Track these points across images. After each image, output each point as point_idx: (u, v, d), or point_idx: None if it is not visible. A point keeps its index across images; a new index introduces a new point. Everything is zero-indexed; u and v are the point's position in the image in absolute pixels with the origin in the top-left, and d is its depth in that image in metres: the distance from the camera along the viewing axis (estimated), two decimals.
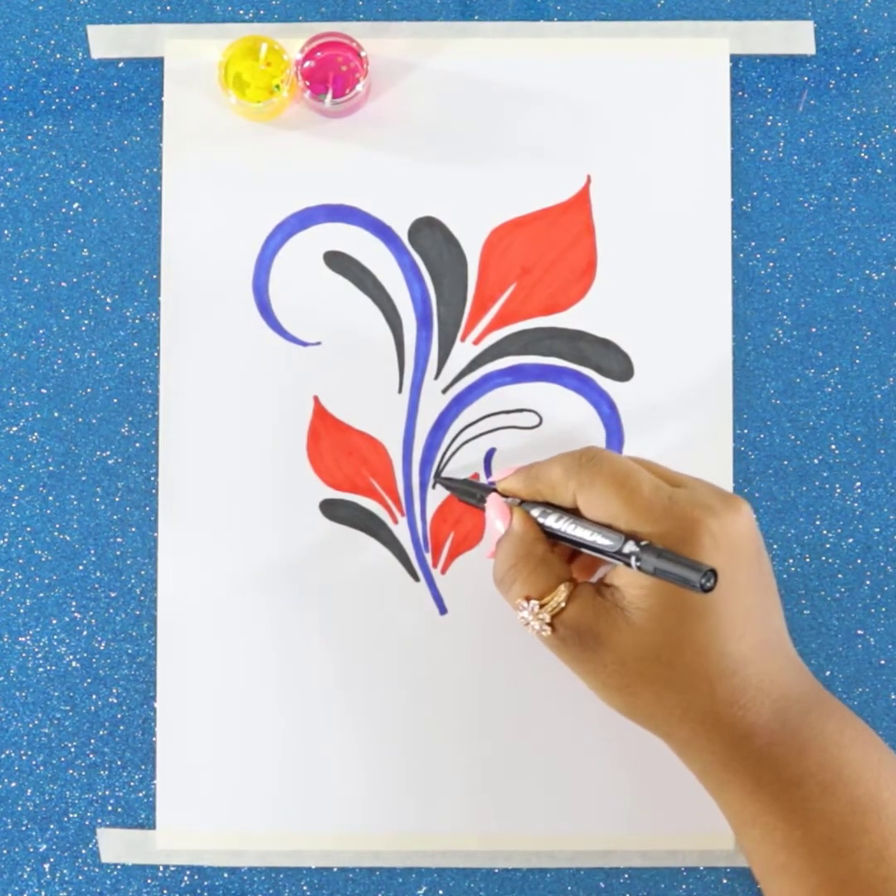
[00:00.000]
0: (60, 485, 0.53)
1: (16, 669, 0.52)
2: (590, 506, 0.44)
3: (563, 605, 0.44)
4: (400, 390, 0.53)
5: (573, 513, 0.45)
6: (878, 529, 0.52)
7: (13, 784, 0.52)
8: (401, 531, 0.52)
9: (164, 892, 0.52)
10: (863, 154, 0.53)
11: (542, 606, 0.44)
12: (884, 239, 0.53)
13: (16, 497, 0.53)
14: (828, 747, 0.42)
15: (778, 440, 0.53)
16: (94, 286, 0.53)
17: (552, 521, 0.45)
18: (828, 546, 0.52)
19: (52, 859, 0.52)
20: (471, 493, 0.49)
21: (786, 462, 0.53)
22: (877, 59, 0.53)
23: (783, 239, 0.53)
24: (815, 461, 0.53)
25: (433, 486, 0.52)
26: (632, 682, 0.43)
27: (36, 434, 0.53)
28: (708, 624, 0.42)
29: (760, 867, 0.43)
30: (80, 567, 0.52)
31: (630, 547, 0.42)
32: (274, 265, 0.53)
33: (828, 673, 0.52)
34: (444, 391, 0.53)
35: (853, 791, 0.41)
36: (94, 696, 0.52)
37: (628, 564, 0.42)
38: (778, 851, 0.42)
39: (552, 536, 0.45)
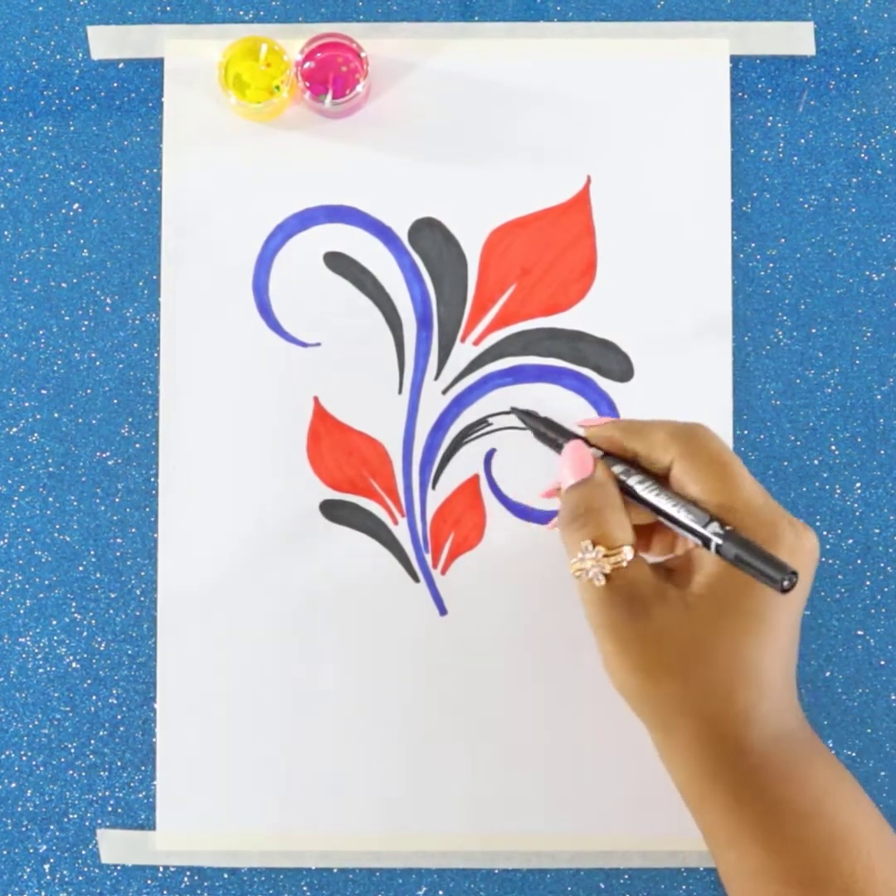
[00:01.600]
0: (60, 485, 0.53)
1: (16, 670, 0.52)
2: (686, 476, 0.43)
3: (627, 561, 0.43)
4: (400, 391, 0.53)
5: (659, 480, 0.44)
6: (877, 530, 0.52)
7: (13, 784, 0.52)
8: (401, 532, 0.52)
9: (164, 892, 0.52)
10: (863, 154, 0.53)
11: (606, 555, 0.43)
12: (884, 239, 0.53)
13: (16, 497, 0.53)
14: (812, 778, 0.42)
15: (778, 440, 0.53)
16: (94, 286, 0.53)
17: (636, 482, 0.44)
18: (828, 546, 0.52)
19: (52, 860, 0.52)
20: (551, 435, 0.47)
21: (786, 462, 0.53)
22: (877, 60, 0.53)
23: (783, 239, 0.53)
24: (815, 462, 0.53)
25: (512, 411, 0.50)
26: (657, 664, 0.43)
27: (36, 434, 0.53)
28: (754, 631, 0.42)
29: (735, 892, 0.43)
30: (80, 567, 0.52)
31: (714, 528, 0.41)
32: (274, 266, 0.53)
33: (828, 673, 0.52)
34: (445, 392, 0.53)
35: (830, 825, 0.41)
36: (94, 697, 0.52)
37: (706, 545, 0.42)
38: (752, 877, 0.42)
39: (631, 497, 0.44)
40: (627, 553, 0.43)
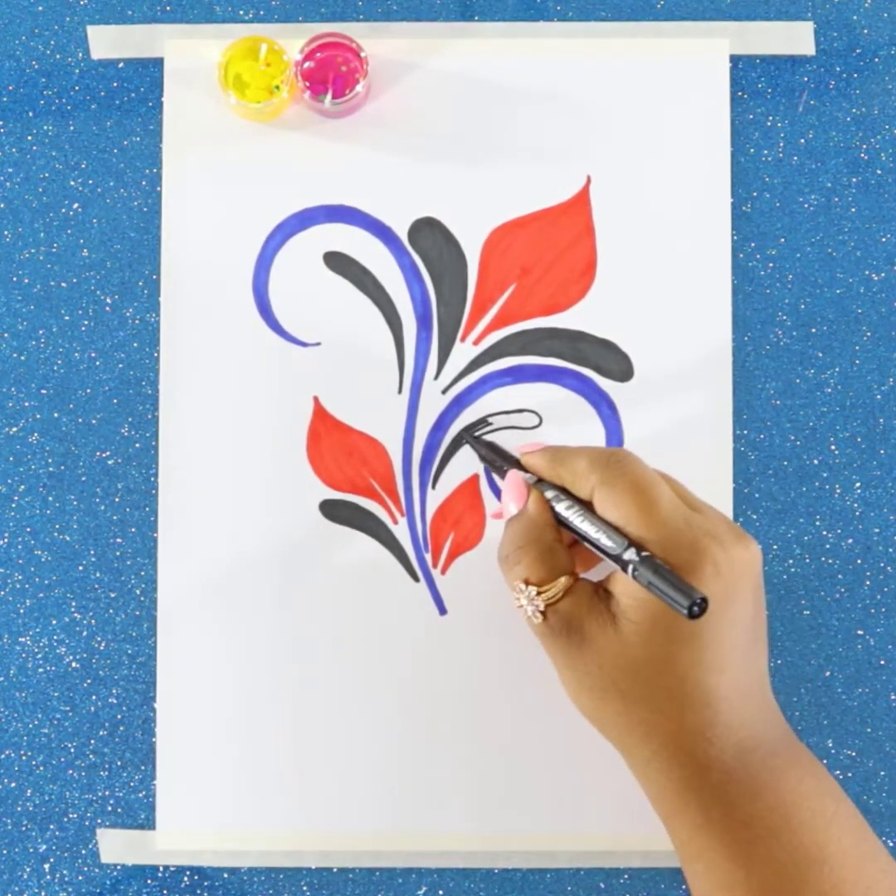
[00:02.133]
0: (60, 485, 0.53)
1: (16, 670, 0.52)
2: (605, 504, 0.44)
3: (559, 596, 0.44)
4: (400, 391, 0.53)
5: (587, 506, 0.45)
6: (877, 529, 0.52)
7: (13, 784, 0.52)
8: (401, 532, 0.52)
9: (164, 892, 0.52)
10: (863, 154, 0.53)
11: (539, 593, 0.44)
12: (884, 239, 0.53)
13: (16, 497, 0.53)
14: (783, 793, 0.42)
15: (778, 440, 0.53)
16: (94, 286, 0.53)
17: (563, 508, 0.45)
18: (828, 546, 0.52)
19: (52, 859, 0.52)
20: (493, 460, 0.50)
21: (786, 462, 0.53)
22: (877, 60, 0.53)
23: (783, 239, 0.53)
24: (815, 461, 0.53)
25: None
26: (605, 688, 0.43)
27: (36, 434, 0.53)
28: (691, 651, 0.42)
29: None
30: (80, 567, 0.52)
31: (631, 554, 0.42)
32: (274, 265, 0.53)
33: (828, 673, 0.52)
34: (444, 391, 0.53)
35: (801, 839, 0.41)
36: (93, 697, 0.52)
37: (625, 570, 0.42)
38: (718, 890, 0.42)
39: (561, 523, 0.45)
40: (560, 586, 0.44)
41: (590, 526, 0.44)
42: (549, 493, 0.46)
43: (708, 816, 0.42)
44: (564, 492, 0.46)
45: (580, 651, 0.43)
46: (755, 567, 0.43)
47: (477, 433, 0.52)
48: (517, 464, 0.48)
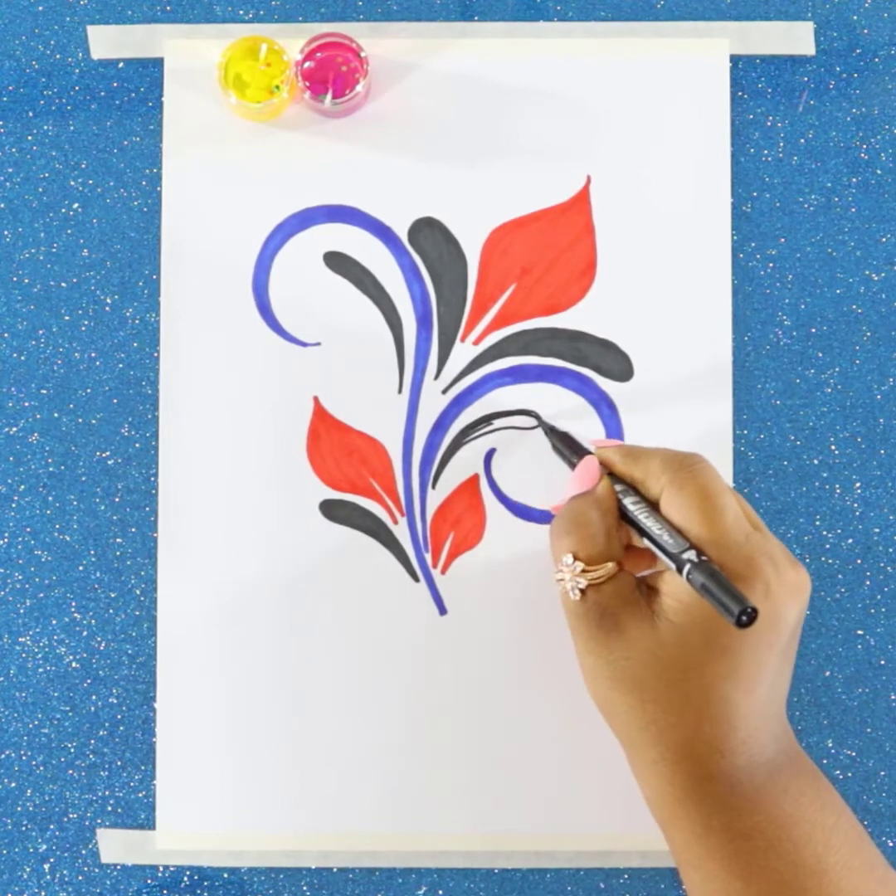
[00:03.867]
0: (60, 485, 0.53)
1: (16, 670, 0.52)
2: (671, 505, 0.44)
3: (603, 579, 0.44)
4: (400, 391, 0.53)
5: (653, 506, 0.45)
6: (877, 529, 0.52)
7: (13, 784, 0.52)
8: (401, 532, 0.52)
9: (164, 892, 0.52)
10: (863, 154, 0.53)
11: (584, 571, 0.44)
12: (884, 239, 0.53)
13: (16, 497, 0.53)
14: (784, 805, 0.42)
15: (778, 440, 0.53)
16: (94, 286, 0.53)
17: (630, 502, 0.45)
18: (828, 546, 0.52)
19: (52, 859, 0.52)
20: (567, 448, 0.49)
21: (786, 462, 0.53)
22: (877, 60, 0.53)
23: (783, 239, 0.53)
24: (815, 461, 0.53)
25: (534, 426, 0.51)
26: (625, 681, 0.43)
27: (36, 434, 0.53)
28: (724, 664, 0.42)
29: None
30: (80, 567, 0.52)
31: (690, 555, 0.42)
32: (274, 265, 0.53)
33: (828, 673, 0.52)
34: (444, 392, 0.53)
35: (800, 852, 0.41)
36: (93, 697, 0.52)
37: (680, 570, 0.42)
38: None
39: (623, 517, 0.45)
40: (607, 569, 0.44)
41: (653, 523, 0.44)
42: (618, 487, 0.46)
43: (708, 826, 0.42)
44: (634, 490, 0.46)
45: (609, 638, 0.43)
46: (804, 594, 0.44)
47: (478, 432, 0.52)
48: (587, 455, 0.48)
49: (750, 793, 0.42)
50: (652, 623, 0.43)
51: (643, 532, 0.44)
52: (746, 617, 0.40)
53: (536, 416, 0.51)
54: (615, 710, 0.44)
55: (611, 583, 0.44)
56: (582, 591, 0.44)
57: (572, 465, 0.48)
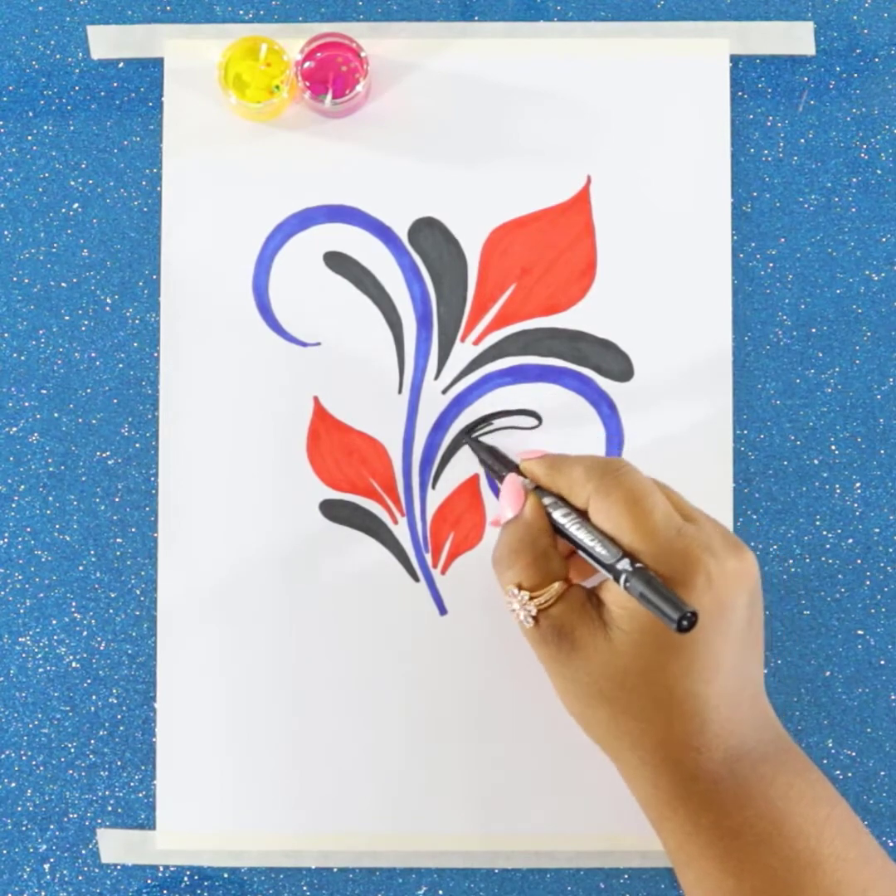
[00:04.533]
0: (60, 485, 0.53)
1: (16, 670, 0.52)
2: (599, 514, 0.44)
3: (551, 602, 0.44)
4: (400, 391, 0.53)
5: (583, 515, 0.45)
6: (878, 529, 0.52)
7: (13, 784, 0.52)
8: (401, 532, 0.52)
9: (164, 892, 0.52)
10: (863, 154, 0.53)
11: (531, 598, 0.44)
12: (884, 239, 0.53)
13: (16, 497, 0.53)
14: (773, 799, 0.42)
15: (778, 440, 0.53)
16: (94, 286, 0.53)
17: (560, 516, 0.45)
18: (828, 546, 0.52)
19: (52, 859, 0.52)
20: (492, 464, 0.50)
21: (786, 462, 0.53)
22: (877, 60, 0.53)
23: (783, 239, 0.53)
24: (815, 461, 0.53)
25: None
26: (593, 695, 0.43)
27: (36, 434, 0.53)
28: (681, 661, 0.42)
29: None
30: (80, 567, 0.52)
31: (624, 565, 0.42)
32: (274, 266, 0.53)
33: (828, 673, 0.52)
34: (445, 391, 0.53)
35: (792, 845, 0.41)
36: (93, 697, 0.52)
37: (617, 580, 0.42)
38: None
39: (557, 530, 0.46)
40: (552, 591, 0.44)
41: (585, 534, 0.44)
42: (547, 500, 0.46)
43: (697, 824, 0.42)
44: (562, 499, 0.46)
45: (570, 658, 0.44)
46: (749, 578, 0.43)
47: (476, 434, 0.52)
48: (516, 469, 0.48)
49: (734, 788, 0.42)
50: (605, 634, 0.43)
51: (576, 544, 0.44)
52: (686, 622, 0.40)
53: (464, 432, 0.52)
54: (591, 725, 0.44)
55: (560, 602, 0.44)
56: (534, 617, 0.44)
57: (501, 479, 0.48)
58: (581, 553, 0.44)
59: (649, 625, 0.42)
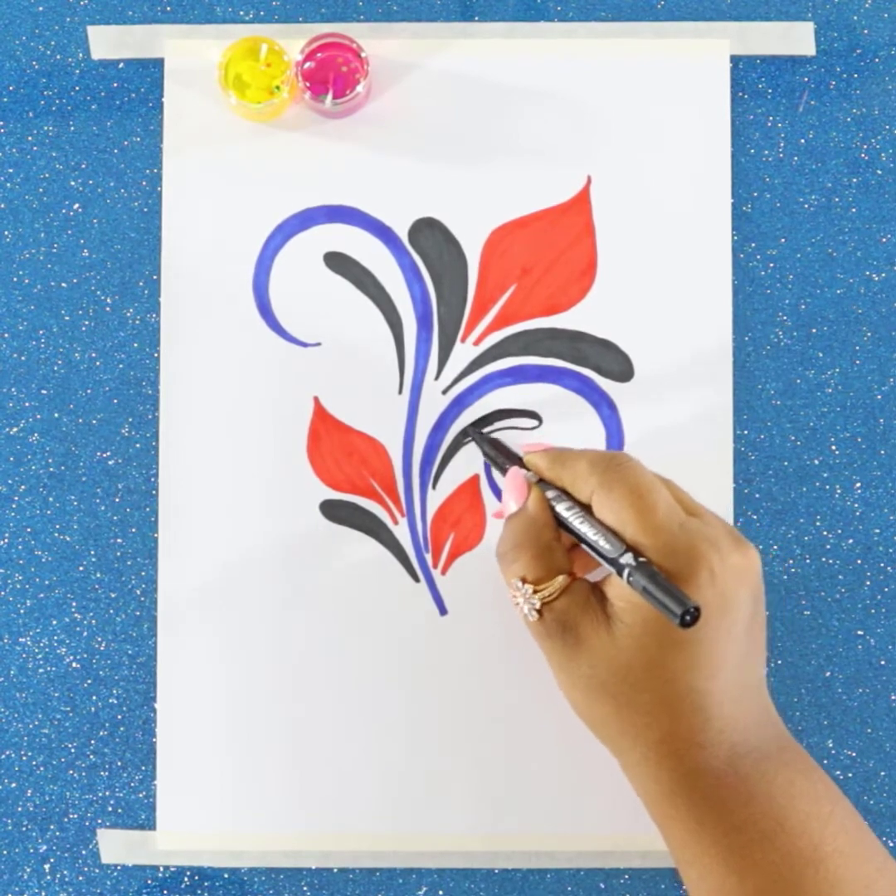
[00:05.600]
0: (60, 485, 0.53)
1: (16, 670, 0.52)
2: (602, 508, 0.44)
3: (555, 595, 0.44)
4: (400, 391, 0.53)
5: (587, 509, 0.45)
6: (878, 530, 0.53)
7: (13, 784, 0.52)
8: (401, 532, 0.52)
9: (164, 892, 0.52)
10: (863, 154, 0.53)
11: (535, 592, 0.44)
12: (884, 239, 0.53)
13: (16, 497, 0.53)
14: (775, 796, 0.42)
15: (778, 440, 0.53)
16: (94, 287, 0.53)
17: (563, 509, 0.45)
18: (828, 546, 0.52)
19: (52, 860, 0.52)
20: (495, 457, 0.50)
21: (786, 462, 0.53)
22: (877, 60, 0.53)
23: (783, 239, 0.53)
24: (815, 461, 0.53)
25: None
26: (596, 689, 0.43)
27: (36, 434, 0.53)
28: (684, 656, 0.42)
29: None
30: (80, 567, 0.52)
31: (627, 559, 0.42)
32: (274, 266, 0.53)
33: (828, 673, 0.52)
34: (445, 392, 0.53)
35: (795, 843, 0.41)
36: (94, 697, 0.52)
37: (620, 574, 0.42)
38: (713, 895, 0.42)
39: (560, 524, 0.45)
40: (556, 585, 0.44)
41: (588, 528, 0.44)
42: (550, 494, 0.46)
43: (700, 822, 0.42)
44: (566, 493, 0.46)
45: (574, 651, 0.44)
46: (752, 574, 0.43)
47: (478, 430, 0.52)
48: (519, 462, 0.48)
49: (738, 785, 0.42)
50: (608, 628, 0.43)
51: (580, 538, 0.44)
52: (689, 616, 0.40)
53: (467, 430, 0.52)
54: (594, 720, 0.44)
55: (564, 596, 0.44)
56: (538, 611, 0.44)
57: (504, 472, 0.48)
58: (584, 547, 0.44)
59: (652, 619, 0.42)
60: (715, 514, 0.45)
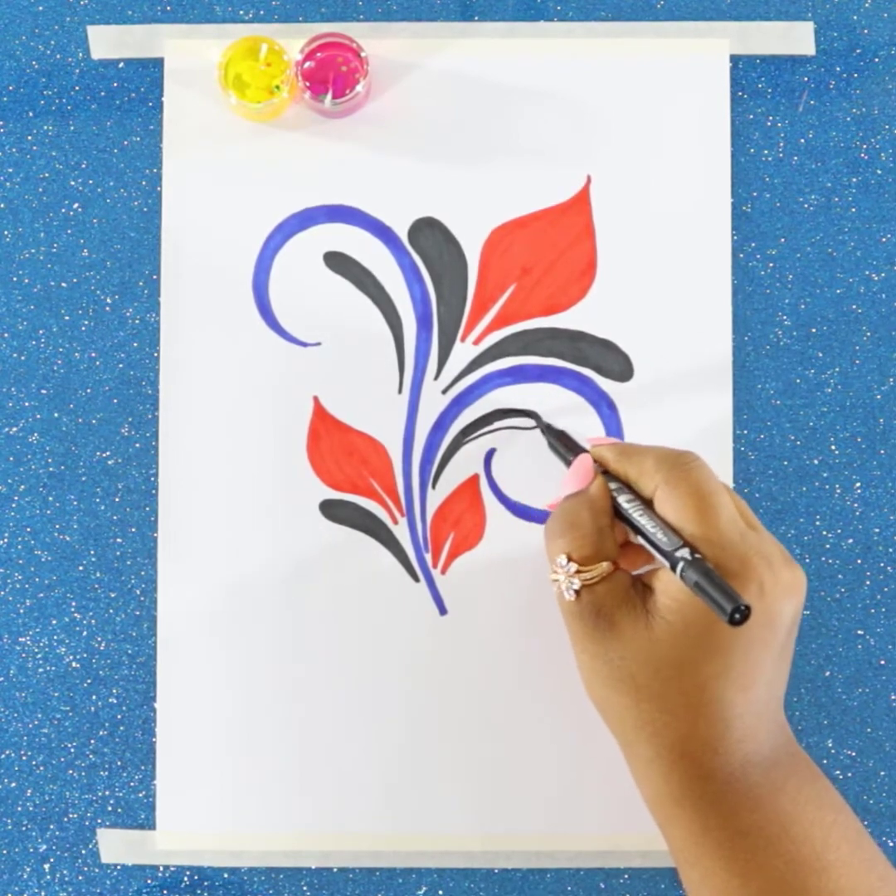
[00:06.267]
0: (60, 485, 0.53)
1: (16, 670, 0.52)
2: (665, 503, 0.44)
3: (596, 580, 0.44)
4: (400, 391, 0.53)
5: (647, 504, 0.45)
6: (878, 529, 0.52)
7: (13, 784, 0.52)
8: (401, 532, 0.52)
9: (164, 892, 0.52)
10: (863, 154, 0.53)
11: (578, 572, 0.44)
12: (884, 239, 0.53)
13: (16, 497, 0.53)
14: (782, 803, 0.42)
15: (778, 440, 0.53)
16: (94, 286, 0.53)
17: (624, 500, 0.45)
18: (828, 546, 0.52)
19: (52, 859, 0.52)
20: (559, 448, 0.49)
21: (786, 462, 0.53)
22: (877, 60, 0.53)
23: (783, 239, 0.53)
24: (815, 461, 0.53)
25: (534, 426, 0.51)
26: (621, 679, 0.43)
27: (36, 434, 0.53)
28: (719, 663, 0.42)
29: None
30: (80, 567, 0.52)
31: (683, 553, 0.42)
32: (274, 265, 0.53)
33: (828, 673, 0.52)
34: (444, 392, 0.53)
35: (799, 849, 0.41)
36: (93, 697, 0.52)
37: (674, 568, 0.42)
38: None
39: (617, 515, 0.46)
40: (601, 569, 0.44)
41: (647, 521, 0.44)
42: (613, 485, 0.46)
43: (705, 824, 0.42)
44: (628, 487, 0.46)
45: (604, 638, 0.43)
46: (798, 595, 0.43)
47: (478, 433, 0.52)
48: (587, 453, 0.48)
49: (746, 790, 0.42)
50: (646, 621, 0.43)
51: (637, 530, 0.44)
52: (739, 615, 0.40)
53: (535, 416, 0.51)
54: (611, 709, 0.44)
55: (605, 582, 0.44)
56: (576, 591, 0.44)
57: (568, 464, 0.48)
58: (639, 539, 0.44)
59: (695, 620, 0.42)
60: (769, 533, 0.45)
